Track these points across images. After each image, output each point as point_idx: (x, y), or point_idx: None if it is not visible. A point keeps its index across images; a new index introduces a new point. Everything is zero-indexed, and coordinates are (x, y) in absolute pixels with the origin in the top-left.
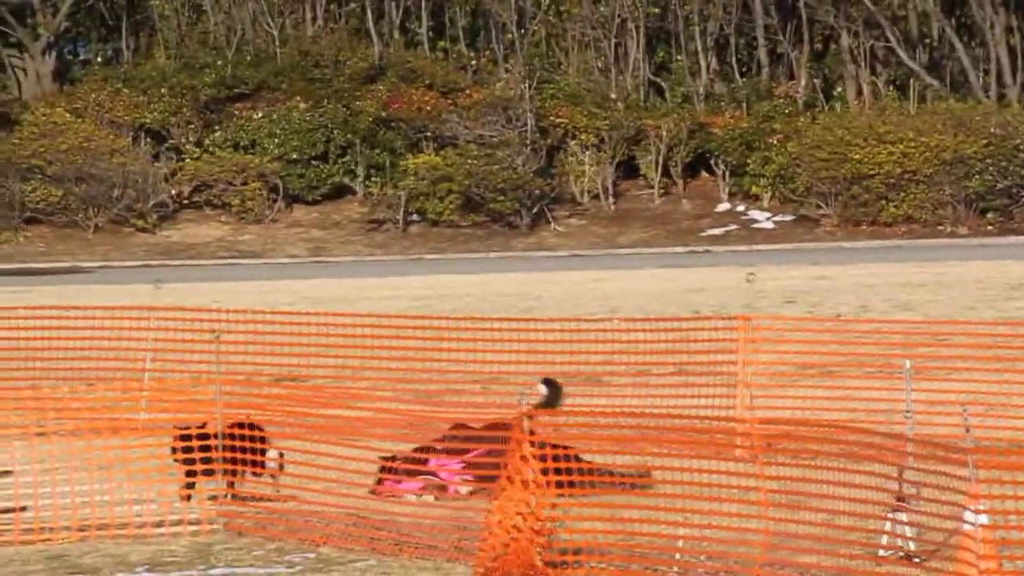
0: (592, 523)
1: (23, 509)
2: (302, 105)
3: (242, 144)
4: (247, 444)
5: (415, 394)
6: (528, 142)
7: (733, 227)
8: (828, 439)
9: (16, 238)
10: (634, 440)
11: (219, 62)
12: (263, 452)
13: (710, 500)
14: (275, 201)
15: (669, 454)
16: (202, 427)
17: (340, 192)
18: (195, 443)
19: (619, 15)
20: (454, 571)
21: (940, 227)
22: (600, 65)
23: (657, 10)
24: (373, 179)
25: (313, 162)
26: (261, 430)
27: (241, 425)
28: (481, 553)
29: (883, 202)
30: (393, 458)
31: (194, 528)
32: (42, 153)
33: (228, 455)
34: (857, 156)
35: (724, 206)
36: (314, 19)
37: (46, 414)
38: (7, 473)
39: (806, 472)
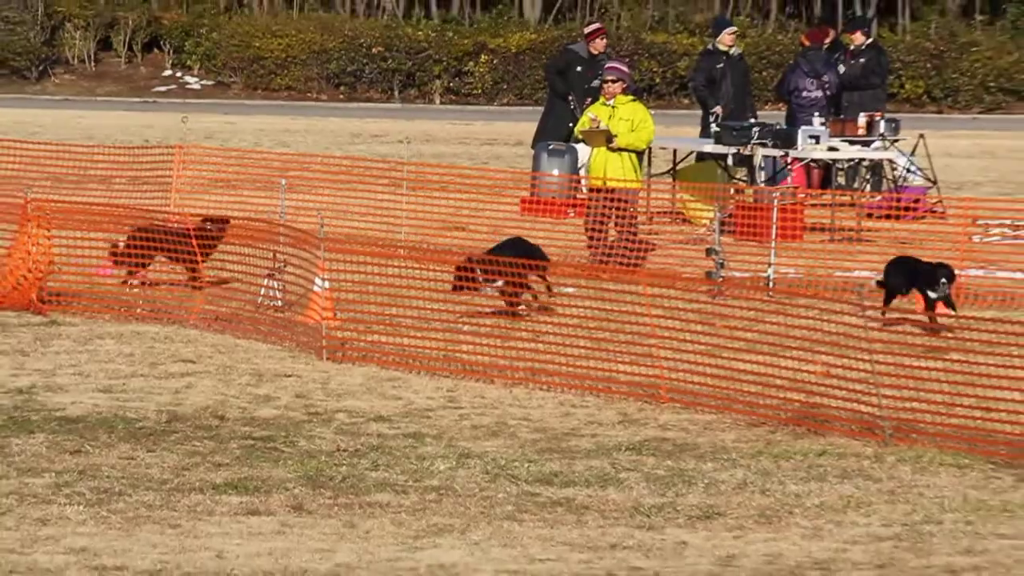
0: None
1: None
2: None
3: None
4: None
5: None
6: (39, 21)
7: (173, 87)
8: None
9: None
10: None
11: None
12: None
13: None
14: None
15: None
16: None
17: None
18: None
19: None
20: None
21: (310, 94)
22: None
23: None
24: None
25: None
26: None
27: None
28: None
29: (273, 76)
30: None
31: None
32: None
33: None
34: (257, 44)
35: (168, 72)
36: None
37: None
38: None
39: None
